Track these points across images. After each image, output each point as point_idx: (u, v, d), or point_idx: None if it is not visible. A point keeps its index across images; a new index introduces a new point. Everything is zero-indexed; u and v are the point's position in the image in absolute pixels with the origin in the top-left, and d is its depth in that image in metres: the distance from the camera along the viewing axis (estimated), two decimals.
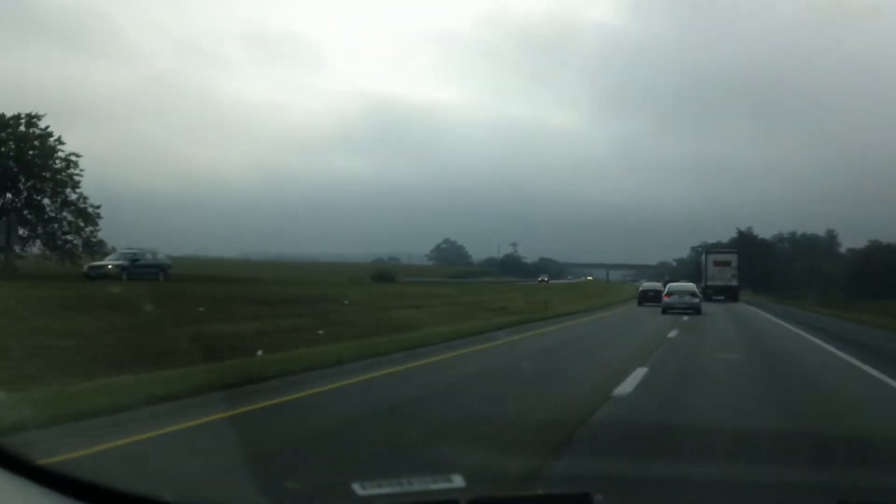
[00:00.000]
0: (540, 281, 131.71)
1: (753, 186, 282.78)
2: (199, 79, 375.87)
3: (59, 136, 46.77)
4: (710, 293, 59.77)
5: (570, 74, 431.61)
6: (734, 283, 62.47)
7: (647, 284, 52.86)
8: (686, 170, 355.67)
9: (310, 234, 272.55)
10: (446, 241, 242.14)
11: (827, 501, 4.54)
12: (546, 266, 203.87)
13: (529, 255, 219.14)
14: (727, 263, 63.51)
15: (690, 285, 41.96)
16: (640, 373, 13.02)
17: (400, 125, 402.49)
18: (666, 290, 40.06)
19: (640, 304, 47.17)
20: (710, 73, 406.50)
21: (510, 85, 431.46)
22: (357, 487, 3.51)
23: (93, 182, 47.26)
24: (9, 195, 46.45)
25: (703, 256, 68.28)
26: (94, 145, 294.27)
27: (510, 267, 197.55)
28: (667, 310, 36.70)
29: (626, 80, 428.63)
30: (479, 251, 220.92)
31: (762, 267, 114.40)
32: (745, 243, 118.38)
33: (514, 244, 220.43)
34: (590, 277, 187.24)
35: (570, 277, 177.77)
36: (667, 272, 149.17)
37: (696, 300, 37.43)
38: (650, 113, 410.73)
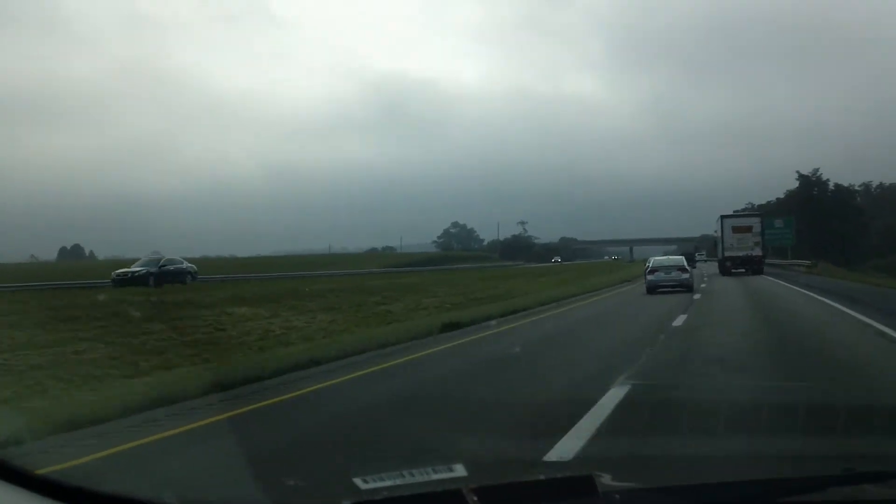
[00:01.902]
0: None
1: (809, 140, 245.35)
2: (163, 60, 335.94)
3: None
4: (728, 266, 53.75)
5: (584, 28, 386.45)
6: (757, 252, 54.59)
7: (657, 261, 37.12)
8: (727, 130, 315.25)
9: (312, 228, 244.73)
10: (455, 224, 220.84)
11: (832, 469, 3.69)
12: (558, 247, 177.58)
13: (551, 235, 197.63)
14: (748, 229, 55.31)
15: (678, 258, 36.04)
16: None
17: (402, 104, 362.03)
18: (650, 265, 34.54)
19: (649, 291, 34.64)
20: (746, 14, 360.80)
21: (522, 48, 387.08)
22: (359, 481, 3.32)
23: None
24: None
25: (719, 222, 57.95)
26: (77, 143, 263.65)
27: (515, 249, 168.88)
28: (652, 290, 31.89)
29: (647, 30, 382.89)
30: (493, 234, 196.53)
31: (837, 227, 79.45)
32: (808, 195, 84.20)
33: (522, 223, 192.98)
34: (615, 257, 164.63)
35: (556, 259, 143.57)
36: (707, 245, 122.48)
37: (686, 276, 32.57)
38: (680, 69, 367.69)
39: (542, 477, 3.62)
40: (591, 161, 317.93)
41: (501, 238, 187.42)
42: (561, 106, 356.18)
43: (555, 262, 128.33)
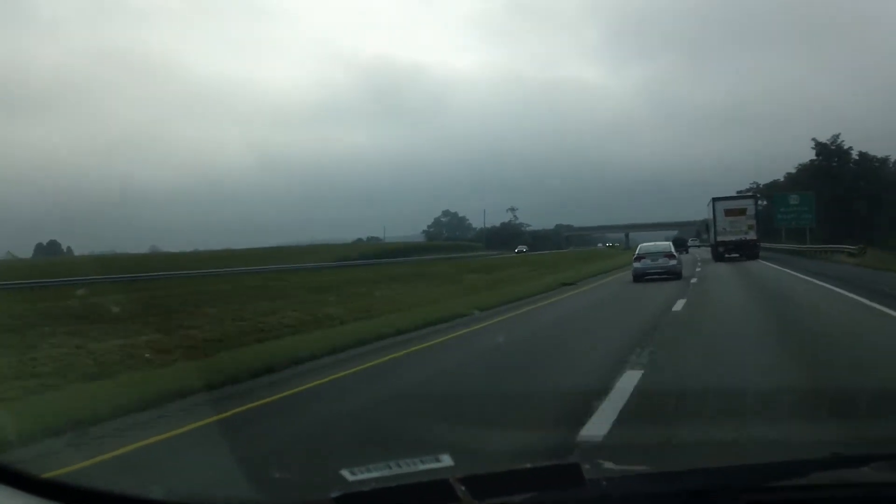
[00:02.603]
0: None
1: (819, 120, 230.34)
2: (145, 47, 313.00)
3: None
4: (721, 251, 51.04)
5: (580, 10, 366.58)
6: (752, 235, 51.10)
7: (644, 247, 33.62)
8: (732, 111, 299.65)
9: (299, 220, 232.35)
10: (446, 213, 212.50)
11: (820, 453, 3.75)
12: (549, 234, 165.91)
13: (548, 222, 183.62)
14: (741, 212, 52.05)
15: (665, 244, 34.80)
16: None
17: (394, 89, 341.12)
18: (636, 252, 33.20)
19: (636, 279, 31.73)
20: None
21: (517, 32, 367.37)
22: (346, 473, 3.32)
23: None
24: None
25: (711, 205, 53.95)
26: (62, 136, 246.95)
27: (504, 237, 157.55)
28: (639, 277, 30.82)
29: (645, 12, 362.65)
30: (488, 221, 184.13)
31: (861, 204, 66.22)
32: (826, 167, 71.27)
33: (512, 209, 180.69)
34: (609, 244, 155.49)
35: (520, 249, 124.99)
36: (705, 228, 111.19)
37: (673, 262, 31.29)
38: (678, 51, 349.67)
39: (528, 465, 3.43)
40: (589, 146, 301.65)
41: (491, 226, 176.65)
42: (558, 90, 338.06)
43: (519, 251, 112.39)
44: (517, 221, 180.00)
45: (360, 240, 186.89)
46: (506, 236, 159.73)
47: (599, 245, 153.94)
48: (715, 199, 54.29)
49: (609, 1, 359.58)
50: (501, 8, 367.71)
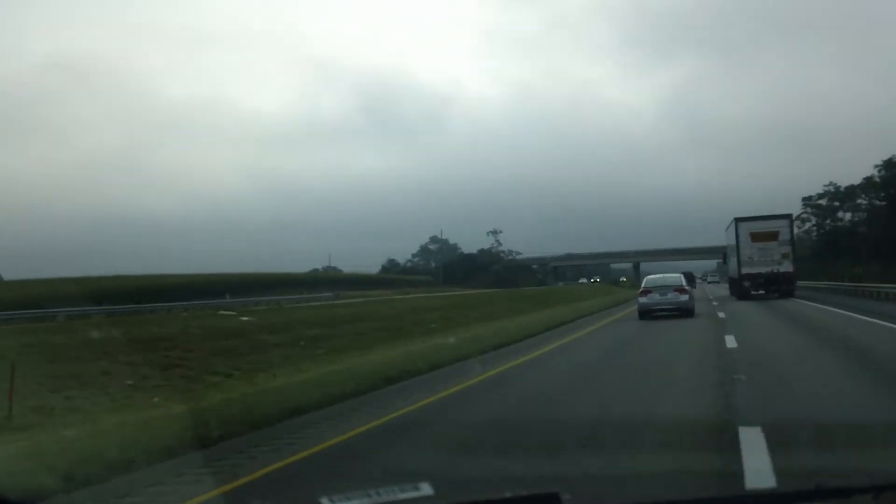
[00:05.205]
0: None
1: (877, 133, 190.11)
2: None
3: None
4: (746, 286, 42.23)
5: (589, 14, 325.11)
6: (786, 267, 41.97)
7: (650, 280, 31.76)
8: (765, 126, 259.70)
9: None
10: (434, 239, 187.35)
11: (804, 485, 3.73)
12: (528, 266, 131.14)
13: (556, 248, 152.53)
14: (772, 236, 42.91)
15: (675, 276, 31.75)
16: None
17: (389, 109, 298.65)
18: (642, 285, 31.49)
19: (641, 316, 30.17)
20: None
21: (520, 38, 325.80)
22: (325, 501, 3.40)
23: None
24: None
25: (733, 227, 44.74)
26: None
27: (468, 269, 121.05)
28: (645, 314, 29.24)
29: (667, 14, 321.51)
30: (472, 247, 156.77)
31: None
32: None
33: (494, 232, 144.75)
34: (594, 280, 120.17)
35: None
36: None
37: (685, 298, 29.31)
38: (705, 56, 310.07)
39: (507, 494, 3.47)
40: (603, 167, 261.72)
41: (459, 252, 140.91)
42: (568, 105, 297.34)
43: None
44: (499, 248, 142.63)
45: (315, 270, 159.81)
46: (472, 267, 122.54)
47: (582, 280, 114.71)
48: (738, 220, 44.54)
49: (622, 4, 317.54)
50: (505, 18, 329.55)
